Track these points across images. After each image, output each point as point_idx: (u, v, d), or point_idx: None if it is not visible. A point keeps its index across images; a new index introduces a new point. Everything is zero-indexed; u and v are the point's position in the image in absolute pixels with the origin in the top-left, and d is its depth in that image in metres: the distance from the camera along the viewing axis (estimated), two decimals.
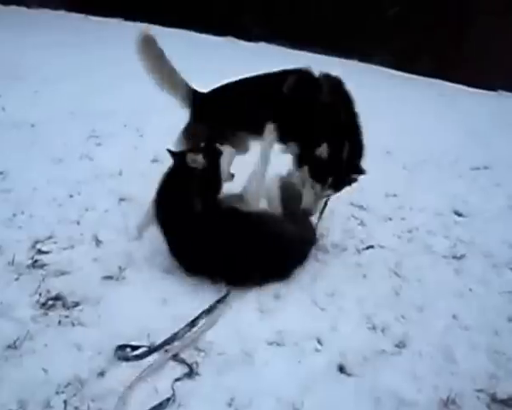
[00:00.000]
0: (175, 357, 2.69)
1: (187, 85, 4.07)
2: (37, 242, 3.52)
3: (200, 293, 3.22)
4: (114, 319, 2.92)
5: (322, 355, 2.87)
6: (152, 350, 2.74)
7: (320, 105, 3.56)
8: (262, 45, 12.06)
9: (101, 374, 2.56)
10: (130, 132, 5.73)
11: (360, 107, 3.68)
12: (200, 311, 3.02)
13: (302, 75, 3.71)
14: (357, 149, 3.55)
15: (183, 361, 2.68)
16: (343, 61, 10.96)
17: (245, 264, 3.32)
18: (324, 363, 2.81)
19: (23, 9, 12.69)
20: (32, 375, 2.48)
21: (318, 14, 12.03)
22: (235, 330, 2.95)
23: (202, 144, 3.55)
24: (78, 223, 3.84)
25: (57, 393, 2.41)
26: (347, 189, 3.74)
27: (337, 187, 3.56)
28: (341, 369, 2.80)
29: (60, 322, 2.84)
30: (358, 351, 2.92)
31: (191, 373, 2.61)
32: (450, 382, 2.79)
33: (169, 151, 3.52)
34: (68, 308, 2.96)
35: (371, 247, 3.99)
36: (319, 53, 11.01)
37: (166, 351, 2.73)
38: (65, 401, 2.36)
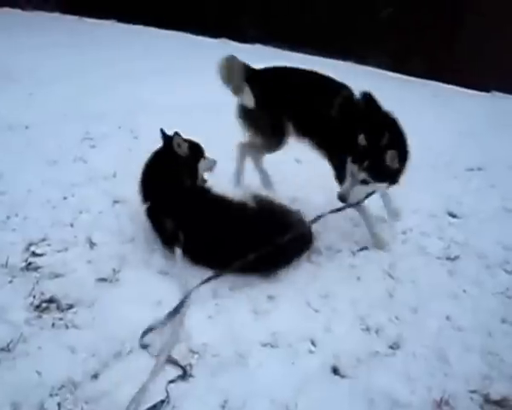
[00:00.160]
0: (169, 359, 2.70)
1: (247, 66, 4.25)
2: (31, 244, 3.52)
3: (194, 294, 3.22)
4: (108, 321, 2.92)
5: (316, 357, 2.88)
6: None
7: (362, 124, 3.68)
8: (257, 47, 12.06)
9: (95, 376, 2.57)
10: (124, 134, 5.71)
11: None
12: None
13: (346, 99, 3.85)
14: (400, 152, 3.58)
15: (176, 363, 2.68)
16: (339, 62, 10.95)
17: (228, 246, 3.41)
18: (318, 365, 2.82)
19: (17, 11, 12.67)
20: (26, 378, 2.48)
21: (313, 16, 12.01)
22: (229, 331, 2.96)
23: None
24: (72, 225, 3.83)
25: (51, 395, 2.42)
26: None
27: (372, 172, 3.56)
28: (335, 370, 2.81)
29: (54, 324, 2.85)
30: (352, 352, 2.93)
31: (185, 375, 2.62)
32: (444, 383, 2.80)
33: (161, 131, 3.79)
34: (62, 311, 2.96)
35: (365, 248, 3.99)
36: (314, 55, 11.01)
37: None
38: (58, 404, 2.37)
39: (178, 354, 2.75)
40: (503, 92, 10.53)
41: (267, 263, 3.42)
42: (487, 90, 10.58)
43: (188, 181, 3.72)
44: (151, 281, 3.33)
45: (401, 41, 11.07)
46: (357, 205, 3.90)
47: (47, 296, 3.04)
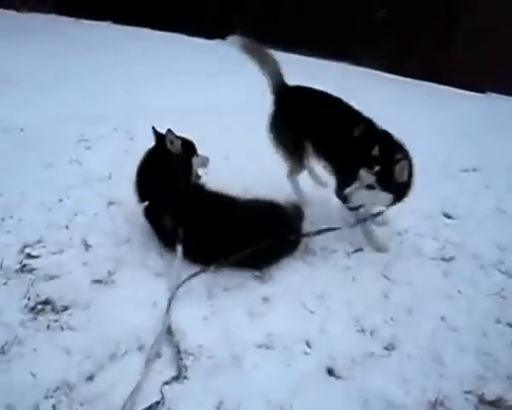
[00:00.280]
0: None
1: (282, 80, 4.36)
2: (26, 246, 3.52)
3: (190, 295, 3.22)
4: (104, 322, 2.92)
5: (311, 358, 2.89)
6: None
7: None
8: None
9: (90, 378, 2.57)
10: (120, 136, 5.70)
11: None
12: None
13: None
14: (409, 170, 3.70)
15: (172, 365, 2.69)
16: (333, 64, 10.96)
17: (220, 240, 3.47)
18: (313, 366, 2.83)
19: (12, 13, 12.62)
20: (21, 380, 2.49)
21: (308, 17, 12.03)
22: (224, 333, 2.96)
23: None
24: (67, 227, 3.83)
25: (46, 397, 2.42)
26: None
27: (380, 177, 3.61)
28: (330, 372, 2.82)
29: (49, 326, 2.85)
30: (347, 354, 2.93)
31: (180, 377, 2.62)
32: (439, 384, 2.81)
33: (153, 129, 3.81)
34: (57, 313, 2.96)
35: (360, 249, 3.99)
36: (309, 55, 11.02)
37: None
38: (53, 406, 2.38)
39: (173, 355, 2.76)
40: (498, 93, 10.56)
41: (260, 257, 3.48)
42: (482, 91, 10.60)
43: (183, 178, 3.74)
44: (146, 283, 3.33)
45: (396, 42, 11.09)
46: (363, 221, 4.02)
47: (42, 298, 3.04)
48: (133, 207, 3.72)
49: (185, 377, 2.63)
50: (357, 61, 11.39)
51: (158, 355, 2.72)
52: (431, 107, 8.98)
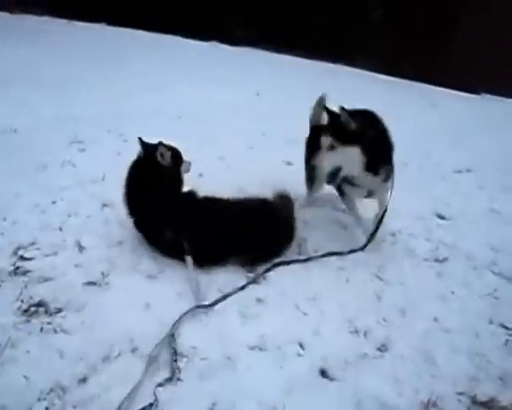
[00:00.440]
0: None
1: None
2: (19, 248, 3.51)
3: (183, 297, 3.22)
4: (97, 324, 2.92)
5: (305, 360, 2.89)
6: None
7: None
8: (247, 50, 12.06)
9: (84, 380, 2.56)
10: (113, 138, 5.71)
11: None
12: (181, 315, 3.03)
13: None
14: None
15: (165, 367, 2.69)
16: (329, 65, 10.99)
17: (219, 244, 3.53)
18: (306, 367, 2.83)
19: (6, 15, 12.60)
20: (14, 382, 2.48)
21: (303, 19, 12.05)
22: (218, 334, 2.96)
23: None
24: (61, 229, 3.83)
25: (39, 400, 2.41)
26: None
27: (334, 134, 3.63)
28: (323, 373, 2.82)
29: (42, 329, 2.84)
30: (340, 355, 2.93)
31: (173, 378, 2.62)
32: (432, 385, 2.81)
33: (140, 140, 3.69)
34: (51, 315, 2.95)
35: (353, 251, 3.99)
36: (304, 57, 11.05)
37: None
38: (47, 408, 2.37)
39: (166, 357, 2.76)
40: (492, 94, 10.60)
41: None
42: (477, 92, 10.63)
43: (176, 189, 3.73)
44: (140, 284, 3.33)
45: (392, 44, 11.12)
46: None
47: (35, 300, 3.03)
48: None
49: (179, 379, 2.63)
50: (352, 62, 11.42)
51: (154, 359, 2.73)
52: (424, 108, 9.03)
